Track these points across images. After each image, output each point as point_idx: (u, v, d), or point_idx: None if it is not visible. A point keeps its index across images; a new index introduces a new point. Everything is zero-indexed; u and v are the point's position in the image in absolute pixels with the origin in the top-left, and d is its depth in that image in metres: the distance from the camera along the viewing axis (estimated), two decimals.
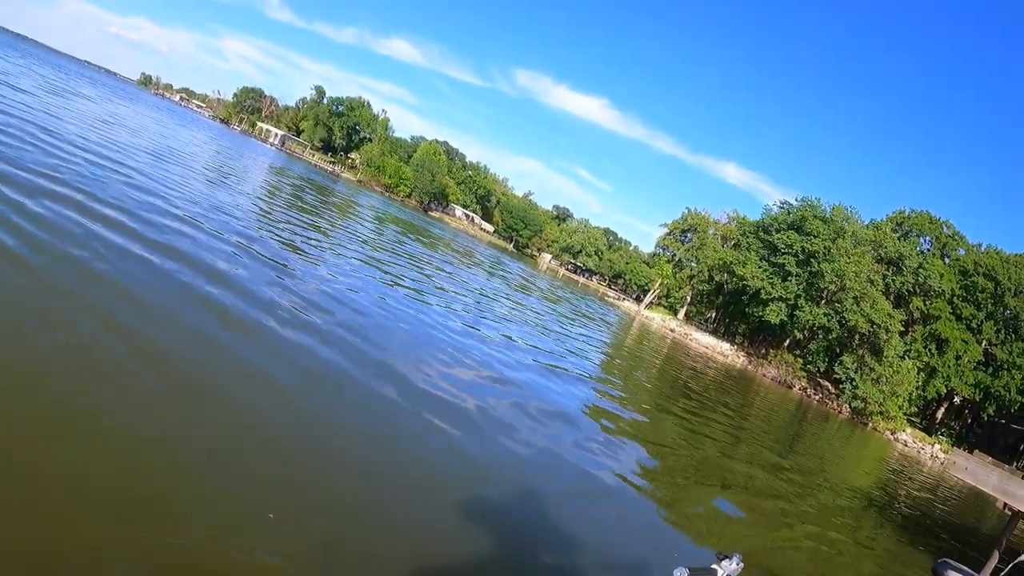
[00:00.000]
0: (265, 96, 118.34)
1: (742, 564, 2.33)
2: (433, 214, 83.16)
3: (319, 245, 15.76)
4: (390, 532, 4.34)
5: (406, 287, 14.49)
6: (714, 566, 2.25)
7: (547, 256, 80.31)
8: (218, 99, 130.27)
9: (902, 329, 49.09)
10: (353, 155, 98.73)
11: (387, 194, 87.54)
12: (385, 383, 7.07)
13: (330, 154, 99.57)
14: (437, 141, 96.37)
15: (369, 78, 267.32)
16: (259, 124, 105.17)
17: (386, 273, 15.52)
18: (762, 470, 12.18)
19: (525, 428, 7.90)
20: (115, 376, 4.77)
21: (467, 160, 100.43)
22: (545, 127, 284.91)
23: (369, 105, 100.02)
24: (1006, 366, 48.52)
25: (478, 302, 18.43)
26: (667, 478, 8.73)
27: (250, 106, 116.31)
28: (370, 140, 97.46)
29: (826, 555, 8.73)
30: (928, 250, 57.24)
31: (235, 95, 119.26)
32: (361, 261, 15.72)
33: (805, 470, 15.01)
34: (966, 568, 2.43)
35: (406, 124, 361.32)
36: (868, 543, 10.47)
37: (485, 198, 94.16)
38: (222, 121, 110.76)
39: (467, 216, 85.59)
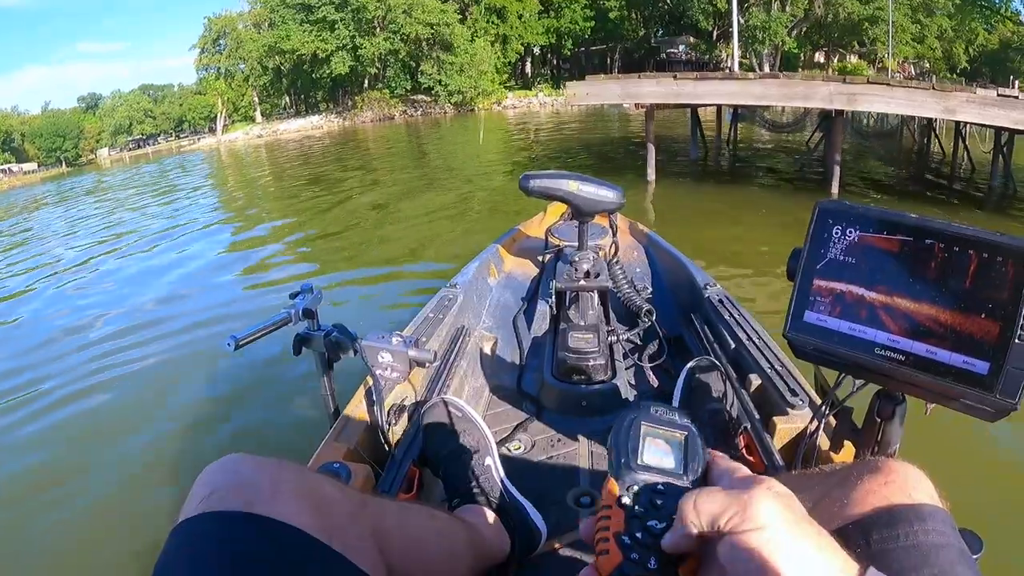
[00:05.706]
0: None
1: (319, 292, 1.69)
2: None
3: None
4: None
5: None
6: (284, 311, 1.59)
7: (104, 151, 68.94)
8: None
9: (460, 17, 49.99)
10: None
11: None
12: None
13: None
14: None
15: None
16: None
17: None
18: (410, 196, 12.11)
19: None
20: None
21: None
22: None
23: None
24: (564, 4, 52.13)
25: None
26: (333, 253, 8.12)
27: None
28: None
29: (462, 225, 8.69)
30: None
31: None
32: None
33: (446, 170, 15.51)
34: (546, 171, 1.96)
35: None
36: (500, 194, 10.98)
37: (7, 141, 75.57)
38: None
39: (2, 171, 68.40)
